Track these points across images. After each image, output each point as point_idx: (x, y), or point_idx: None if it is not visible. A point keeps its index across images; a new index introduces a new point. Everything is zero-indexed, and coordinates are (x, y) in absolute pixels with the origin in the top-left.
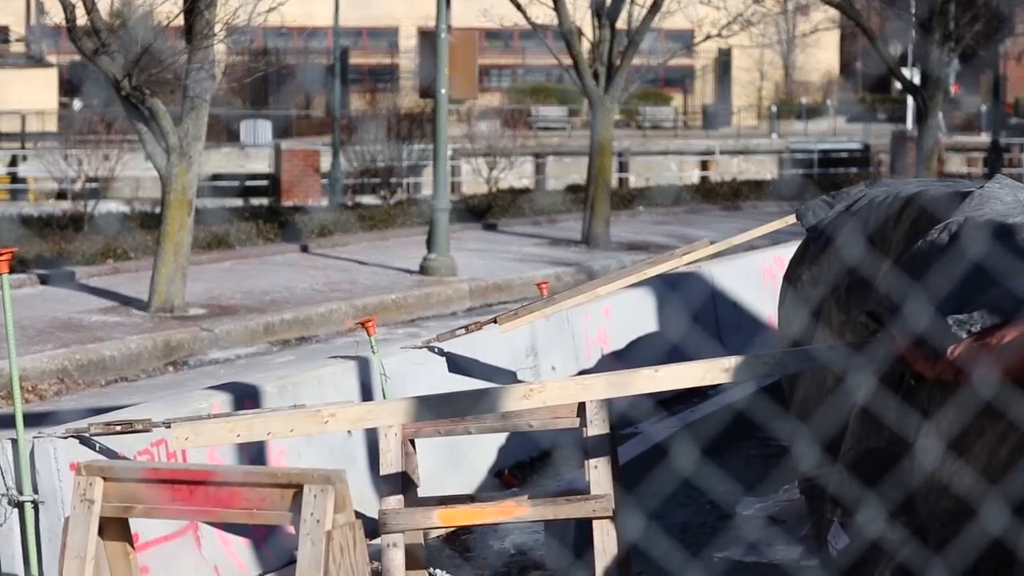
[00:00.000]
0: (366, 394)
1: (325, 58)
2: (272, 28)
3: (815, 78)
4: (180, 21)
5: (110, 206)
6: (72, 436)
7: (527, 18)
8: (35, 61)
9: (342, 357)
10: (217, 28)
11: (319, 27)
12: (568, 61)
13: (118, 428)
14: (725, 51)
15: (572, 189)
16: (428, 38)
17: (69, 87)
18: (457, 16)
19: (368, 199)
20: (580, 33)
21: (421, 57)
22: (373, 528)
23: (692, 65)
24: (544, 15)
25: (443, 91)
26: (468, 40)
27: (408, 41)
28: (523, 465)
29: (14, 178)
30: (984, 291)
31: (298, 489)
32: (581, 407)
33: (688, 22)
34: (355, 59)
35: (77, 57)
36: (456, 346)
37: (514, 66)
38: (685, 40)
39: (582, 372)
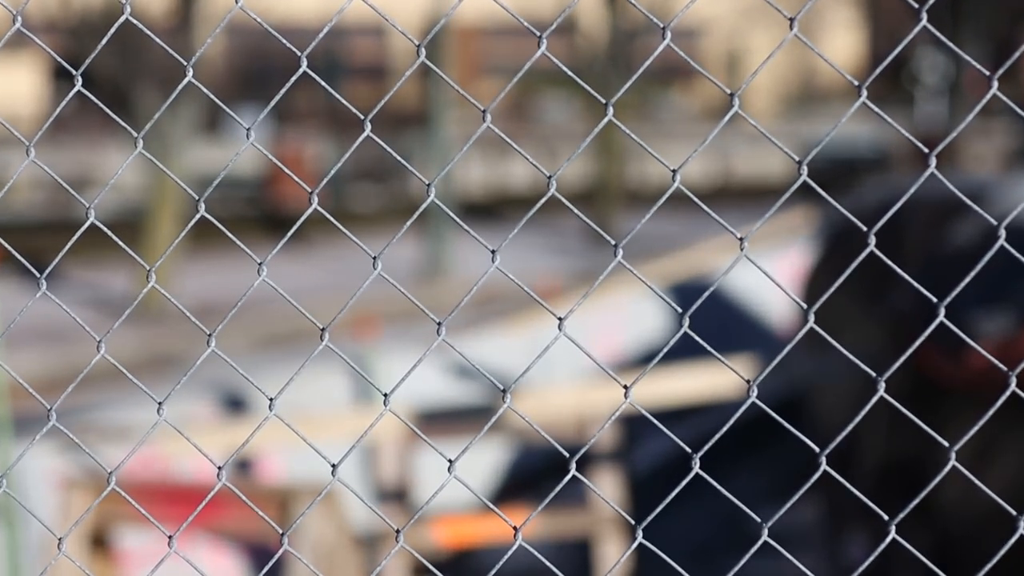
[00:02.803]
0: (363, 399)
1: (321, 54)
2: (274, 26)
3: (832, 74)
4: (170, 14)
5: (95, 203)
6: (57, 446)
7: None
8: (15, 47)
9: (338, 361)
10: (207, 21)
11: (314, 24)
12: (575, 54)
13: (104, 437)
14: (736, 51)
15: (579, 185)
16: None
17: (56, 78)
18: (460, 9)
19: (365, 197)
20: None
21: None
22: (369, 541)
23: (702, 61)
24: (550, 7)
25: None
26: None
27: (402, 39)
28: (528, 476)
29: None
30: (1010, 292)
31: (290, 501)
32: (588, 415)
33: (692, 19)
34: (351, 54)
35: (64, 47)
36: (457, 349)
37: (518, 60)
38: (692, 36)
39: (589, 378)
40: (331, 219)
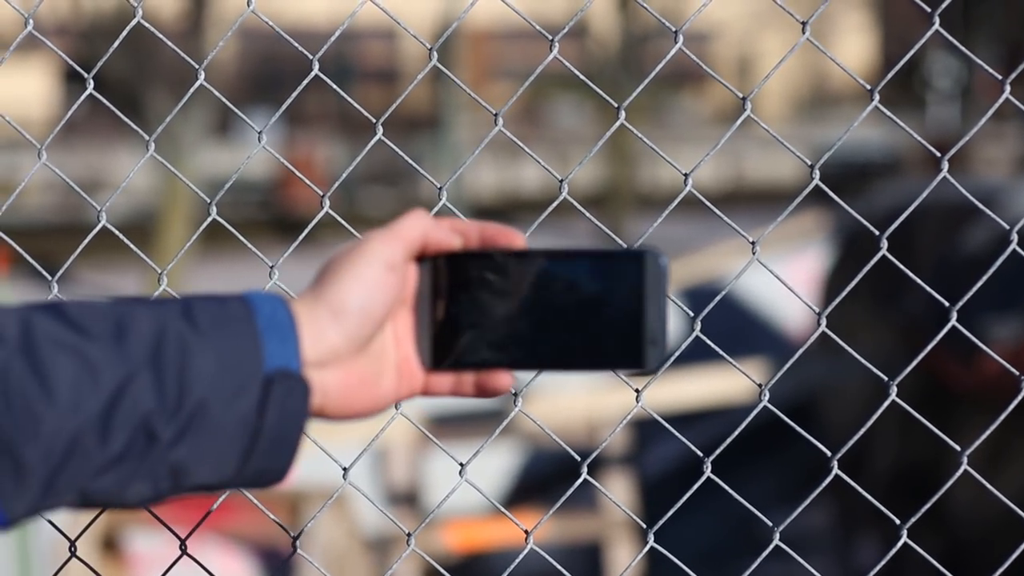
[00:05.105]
0: None
1: (332, 57)
2: (286, 29)
3: (844, 78)
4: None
5: (106, 206)
6: None
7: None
8: (26, 50)
9: None
10: (218, 25)
11: (325, 27)
12: (583, 57)
13: None
14: (748, 55)
15: (591, 189)
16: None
17: (67, 80)
18: (471, 13)
19: (376, 200)
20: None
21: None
22: (379, 544)
23: (713, 65)
24: (562, 11)
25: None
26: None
27: (413, 43)
28: (538, 480)
29: None
30: (1022, 296)
31: (299, 505)
32: (599, 419)
33: (704, 23)
34: (362, 58)
35: (75, 50)
36: None
37: (530, 63)
38: (703, 40)
39: (600, 382)
40: (342, 222)
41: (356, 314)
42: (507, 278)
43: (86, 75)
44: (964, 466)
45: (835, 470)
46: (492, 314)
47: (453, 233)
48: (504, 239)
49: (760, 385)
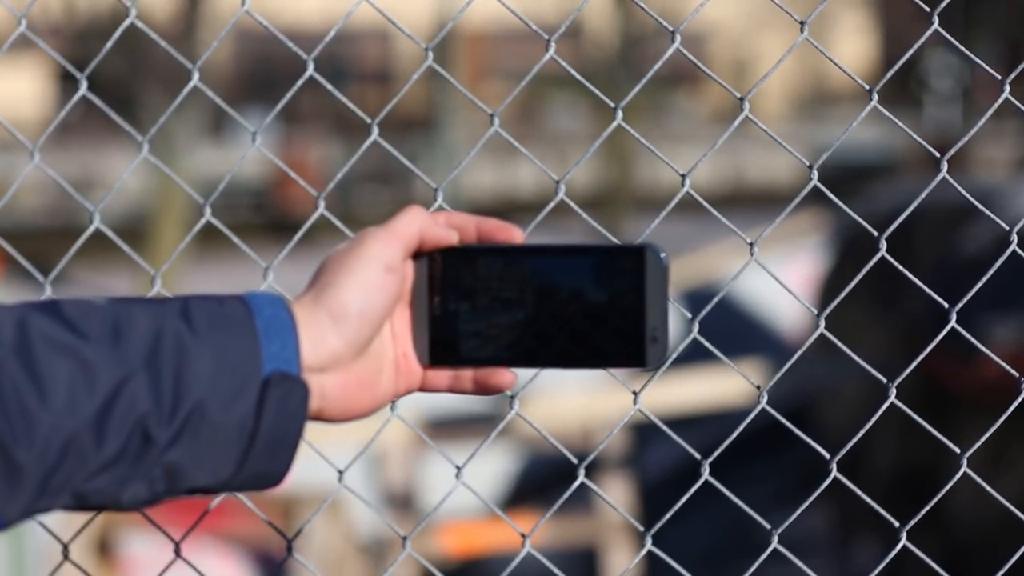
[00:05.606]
0: None
1: (327, 58)
2: (281, 30)
3: (842, 78)
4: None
5: (100, 207)
6: None
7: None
8: (19, 50)
9: None
10: (213, 25)
11: (320, 28)
12: (580, 58)
13: None
14: (745, 55)
15: (589, 189)
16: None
17: (60, 81)
18: (466, 13)
19: (372, 200)
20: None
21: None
22: (375, 548)
23: (711, 65)
24: (557, 11)
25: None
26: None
27: (408, 43)
28: (535, 484)
29: None
30: (1022, 298)
31: (294, 508)
32: (594, 422)
33: (701, 22)
34: (357, 59)
35: (69, 50)
36: None
37: (526, 63)
38: (700, 40)
39: (597, 384)
40: (338, 223)
41: (356, 318)
42: (505, 274)
43: (79, 75)
44: (964, 468)
45: (834, 472)
46: (490, 310)
47: (450, 229)
48: (502, 234)
49: (758, 387)
